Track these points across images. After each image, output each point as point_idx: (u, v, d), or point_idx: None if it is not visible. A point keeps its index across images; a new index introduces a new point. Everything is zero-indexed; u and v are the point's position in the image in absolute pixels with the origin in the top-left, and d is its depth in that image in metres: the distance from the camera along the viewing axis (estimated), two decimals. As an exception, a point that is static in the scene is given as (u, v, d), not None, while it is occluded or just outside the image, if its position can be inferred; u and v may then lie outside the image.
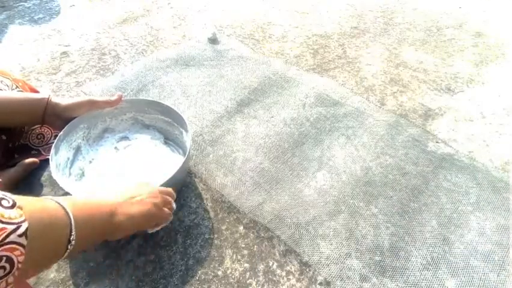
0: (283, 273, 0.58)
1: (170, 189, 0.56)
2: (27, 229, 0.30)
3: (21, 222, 0.30)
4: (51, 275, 0.57)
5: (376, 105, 0.91)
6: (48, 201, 0.37)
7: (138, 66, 1.02)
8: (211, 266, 0.59)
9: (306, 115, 0.87)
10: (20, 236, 0.30)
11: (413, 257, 0.60)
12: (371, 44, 1.15)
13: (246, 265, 0.59)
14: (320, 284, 0.57)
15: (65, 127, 0.67)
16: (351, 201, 0.68)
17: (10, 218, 0.30)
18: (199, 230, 0.63)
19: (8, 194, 0.32)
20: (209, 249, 0.61)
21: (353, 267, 0.58)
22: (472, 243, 0.62)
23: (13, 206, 0.31)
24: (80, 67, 1.03)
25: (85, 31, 1.19)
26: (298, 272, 0.58)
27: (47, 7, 1.33)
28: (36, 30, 1.19)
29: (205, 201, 0.68)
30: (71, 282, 0.56)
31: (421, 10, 1.35)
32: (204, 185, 0.71)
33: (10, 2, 1.35)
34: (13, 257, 0.29)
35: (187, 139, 0.65)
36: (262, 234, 0.63)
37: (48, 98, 0.64)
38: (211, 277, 0.57)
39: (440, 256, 0.60)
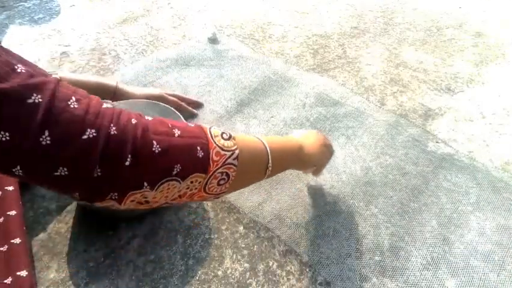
0: (283, 273, 0.58)
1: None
2: (238, 155, 0.41)
3: (235, 149, 0.41)
4: (51, 275, 0.57)
5: (376, 105, 0.91)
6: (252, 136, 0.48)
7: (138, 66, 1.02)
8: (211, 266, 0.59)
9: (306, 115, 0.87)
10: (234, 159, 0.41)
11: (413, 257, 0.60)
12: (371, 44, 1.15)
13: (246, 265, 0.59)
14: (320, 284, 0.57)
15: None
16: (351, 201, 0.68)
17: (228, 147, 0.41)
18: (199, 230, 0.63)
19: (225, 129, 0.43)
20: (209, 249, 0.61)
21: (353, 267, 0.58)
22: (472, 243, 0.62)
23: (229, 137, 0.42)
24: (80, 67, 1.03)
25: (85, 31, 1.19)
26: (298, 272, 0.58)
27: (47, 7, 1.33)
28: (36, 30, 1.19)
29: (205, 201, 0.68)
30: (71, 282, 0.56)
31: (421, 10, 1.35)
32: (204, 185, 0.71)
33: (10, 2, 1.35)
34: (229, 172, 0.41)
35: None
36: (262, 234, 0.63)
37: (116, 84, 0.76)
38: (211, 277, 0.57)
39: (440, 256, 0.60)
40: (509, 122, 0.87)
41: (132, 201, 0.36)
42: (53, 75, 0.67)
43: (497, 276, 0.58)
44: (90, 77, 0.79)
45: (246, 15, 1.29)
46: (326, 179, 0.72)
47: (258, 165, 0.47)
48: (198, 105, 0.88)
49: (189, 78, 0.98)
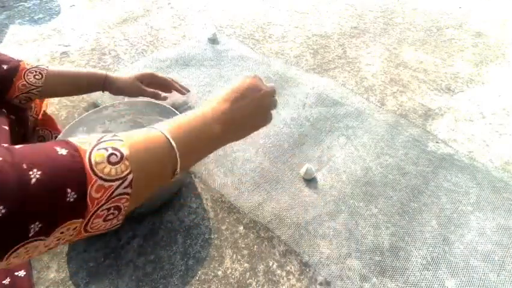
0: (283, 273, 0.58)
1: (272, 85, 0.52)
2: (132, 180, 0.32)
3: (127, 175, 0.32)
4: (51, 275, 0.57)
5: (376, 105, 0.91)
6: (152, 131, 0.38)
7: (138, 66, 1.02)
8: (211, 266, 0.59)
9: (306, 115, 0.87)
10: (125, 187, 0.32)
11: (413, 257, 0.60)
12: (371, 44, 1.15)
13: (246, 265, 0.59)
14: (320, 284, 0.57)
15: (64, 130, 0.67)
16: (351, 201, 0.68)
17: (116, 175, 0.31)
18: (199, 230, 0.63)
19: (117, 145, 0.33)
20: (209, 249, 0.61)
21: (353, 267, 0.58)
22: (472, 243, 0.62)
23: (121, 159, 0.32)
24: (80, 67, 1.03)
25: (85, 31, 1.19)
26: (298, 272, 0.58)
27: (47, 7, 1.33)
28: (36, 30, 1.19)
29: (205, 201, 0.68)
30: (71, 282, 0.56)
31: (421, 10, 1.35)
32: (204, 185, 0.71)
33: (10, 2, 1.35)
34: (120, 204, 0.32)
35: None
36: (262, 234, 0.63)
37: (106, 74, 0.76)
38: (211, 277, 0.57)
39: (440, 256, 0.60)
40: (509, 122, 0.87)
41: None
42: (43, 67, 0.66)
43: (497, 276, 0.58)
44: (80, 69, 0.83)
45: (246, 15, 1.29)
46: (326, 179, 0.72)
47: (162, 173, 0.38)
48: (185, 90, 0.89)
49: (189, 78, 0.98)
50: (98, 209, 0.31)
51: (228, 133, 0.45)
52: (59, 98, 0.90)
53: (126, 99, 0.82)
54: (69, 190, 0.29)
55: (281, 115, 0.87)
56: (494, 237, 0.63)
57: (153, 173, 0.36)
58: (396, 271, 0.58)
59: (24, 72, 0.66)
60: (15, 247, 0.27)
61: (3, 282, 0.50)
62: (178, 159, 0.38)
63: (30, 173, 0.28)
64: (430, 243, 0.62)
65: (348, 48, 1.13)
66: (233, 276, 0.57)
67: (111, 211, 0.32)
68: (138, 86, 0.79)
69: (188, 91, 0.89)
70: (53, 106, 0.88)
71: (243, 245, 0.62)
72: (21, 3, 1.35)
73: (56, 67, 0.72)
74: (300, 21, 1.27)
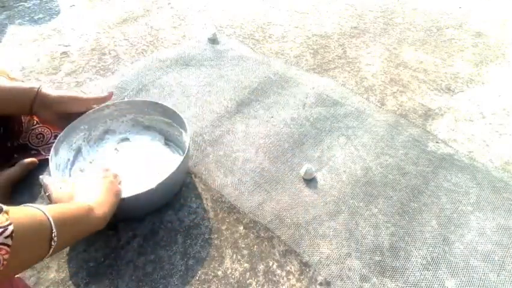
0: (283, 273, 0.58)
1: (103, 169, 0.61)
2: (12, 231, 0.34)
3: (7, 225, 0.34)
4: (51, 275, 0.57)
5: (376, 105, 0.91)
6: (29, 207, 0.41)
7: (138, 66, 1.02)
8: (211, 266, 0.59)
9: (306, 115, 0.87)
10: (6, 237, 0.33)
11: (413, 257, 0.60)
12: (371, 44, 1.15)
13: (246, 265, 0.59)
14: (320, 284, 0.57)
15: (65, 128, 0.67)
16: (351, 201, 0.68)
17: None
18: (199, 230, 0.63)
19: None
20: (209, 249, 0.61)
21: (353, 267, 0.58)
22: (472, 243, 0.62)
23: (0, 211, 0.34)
24: (80, 67, 1.03)
25: (85, 31, 1.19)
26: (298, 272, 0.58)
27: (47, 7, 1.33)
28: (36, 30, 1.19)
29: (205, 201, 0.68)
30: (71, 282, 0.56)
31: (421, 10, 1.35)
32: (204, 185, 0.71)
33: (10, 2, 1.35)
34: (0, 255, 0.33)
35: (186, 139, 0.65)
36: (262, 234, 0.63)
37: (38, 89, 0.63)
38: (211, 277, 0.57)
39: (440, 256, 0.60)
40: (509, 122, 0.87)
41: None
42: None
43: (497, 276, 0.58)
44: (4, 82, 0.65)
45: (246, 15, 1.29)
46: (326, 179, 0.72)
47: (39, 239, 0.40)
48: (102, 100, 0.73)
49: (189, 78, 0.98)
50: None
51: (95, 212, 0.50)
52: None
53: (126, 99, 0.82)
54: None
55: (281, 115, 0.87)
56: (494, 237, 0.63)
57: (30, 233, 0.38)
58: (396, 271, 0.58)
59: None
60: None
61: None
62: (53, 224, 0.41)
63: None
64: (430, 243, 0.62)
65: (348, 48, 1.13)
66: (233, 276, 0.57)
67: None
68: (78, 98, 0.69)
69: (109, 93, 0.74)
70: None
71: (243, 245, 0.62)
72: (21, 3, 1.35)
73: None
74: (300, 21, 1.27)
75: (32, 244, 0.39)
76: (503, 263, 0.60)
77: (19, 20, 1.25)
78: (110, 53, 1.09)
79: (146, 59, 1.05)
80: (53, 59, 1.06)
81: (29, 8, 1.32)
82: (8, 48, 1.11)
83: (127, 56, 1.07)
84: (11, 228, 0.34)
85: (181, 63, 1.04)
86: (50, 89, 0.66)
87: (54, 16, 1.28)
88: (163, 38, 1.16)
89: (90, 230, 0.50)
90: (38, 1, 1.36)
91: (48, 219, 0.41)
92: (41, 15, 1.28)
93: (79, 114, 0.70)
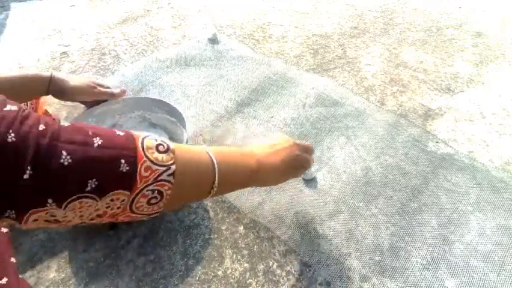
0: (283, 273, 0.58)
1: (306, 143, 0.60)
2: (175, 171, 0.37)
3: (171, 164, 0.37)
4: (51, 275, 0.57)
5: (376, 105, 0.91)
6: (199, 147, 0.44)
7: (138, 66, 1.02)
8: (211, 266, 0.59)
9: (306, 115, 0.87)
10: (169, 175, 0.36)
11: (413, 257, 0.60)
12: (371, 44, 1.15)
13: (246, 265, 0.59)
14: (320, 284, 0.57)
15: (73, 120, 0.68)
16: (351, 201, 0.68)
17: (163, 161, 0.36)
18: (199, 230, 0.63)
19: (166, 140, 0.39)
20: (209, 249, 0.61)
21: (353, 267, 0.58)
22: (472, 243, 0.62)
23: (167, 150, 0.37)
24: (80, 67, 1.03)
25: (85, 31, 1.19)
26: (298, 272, 0.58)
27: (47, 7, 1.33)
28: (36, 30, 1.19)
29: (205, 201, 0.68)
30: (71, 282, 0.56)
31: (421, 10, 1.35)
32: (204, 185, 0.71)
33: (10, 2, 1.35)
34: (163, 190, 0.36)
35: (184, 138, 0.66)
36: (262, 234, 0.63)
37: (51, 76, 0.68)
38: (211, 277, 0.57)
39: (440, 256, 0.60)
40: (509, 122, 0.87)
41: (36, 220, 0.31)
42: None
43: (497, 276, 0.58)
44: (23, 71, 0.70)
45: (246, 16, 1.29)
46: (326, 179, 0.72)
47: (201, 184, 0.42)
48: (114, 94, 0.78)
49: (189, 78, 0.98)
50: (144, 187, 0.35)
51: (261, 173, 0.49)
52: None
53: (129, 96, 0.82)
54: (123, 161, 0.33)
55: (281, 115, 0.87)
56: (494, 237, 0.63)
57: (192, 177, 0.41)
58: (396, 271, 0.58)
59: None
60: (73, 197, 0.31)
61: (0, 282, 0.50)
62: (217, 175, 0.42)
63: (94, 139, 0.33)
64: (430, 243, 0.62)
65: (348, 48, 1.13)
66: (233, 276, 0.57)
67: (155, 194, 0.36)
68: (92, 87, 0.73)
69: (123, 92, 0.78)
70: (53, 106, 0.88)
71: (243, 245, 0.62)
72: (21, 3, 1.35)
73: None
74: (300, 21, 1.27)
75: (194, 185, 0.42)
76: (503, 263, 0.60)
77: (19, 20, 1.25)
78: (110, 53, 1.09)
79: (146, 59, 1.05)
80: (53, 59, 1.06)
81: (29, 8, 1.32)
82: (8, 48, 1.11)
83: (127, 56, 1.07)
84: (173, 167, 0.37)
85: (181, 63, 1.04)
86: (65, 75, 0.70)
87: (54, 16, 1.28)
88: (163, 38, 1.16)
89: (253, 185, 0.52)
90: (38, 1, 1.36)
91: (213, 165, 0.42)
92: (41, 15, 1.28)
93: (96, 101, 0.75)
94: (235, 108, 0.88)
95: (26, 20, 1.25)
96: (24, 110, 0.31)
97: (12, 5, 1.34)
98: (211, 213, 0.66)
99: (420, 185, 0.72)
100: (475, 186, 0.72)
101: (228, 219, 0.65)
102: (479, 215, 0.67)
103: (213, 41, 1.13)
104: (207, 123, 0.84)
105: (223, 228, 0.64)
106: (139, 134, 0.37)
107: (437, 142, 0.81)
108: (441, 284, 0.57)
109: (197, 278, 0.57)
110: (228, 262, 0.59)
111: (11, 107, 0.31)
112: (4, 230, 0.53)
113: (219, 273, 0.58)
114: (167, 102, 0.74)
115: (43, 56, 1.07)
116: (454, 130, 0.85)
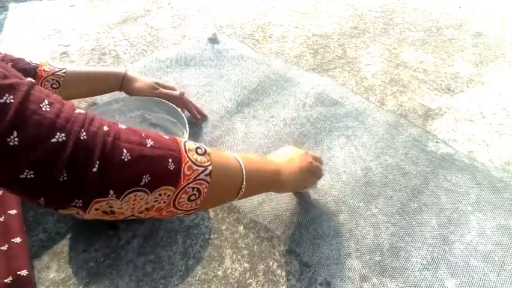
0: (283, 273, 0.58)
1: (317, 154, 0.67)
2: (211, 171, 0.41)
3: (208, 166, 0.41)
4: (51, 275, 0.57)
5: (376, 105, 0.91)
6: (228, 152, 0.48)
7: (138, 66, 1.02)
8: (211, 266, 0.59)
9: (306, 115, 0.87)
10: (206, 175, 0.41)
11: (413, 257, 0.60)
12: (371, 44, 1.15)
13: (246, 265, 0.59)
14: (320, 284, 0.57)
15: None
16: (351, 201, 0.68)
17: (201, 162, 0.41)
18: (199, 230, 0.63)
19: (202, 144, 0.43)
20: (209, 249, 0.61)
21: (353, 267, 0.58)
22: (472, 243, 0.62)
23: (204, 153, 0.42)
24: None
25: (85, 31, 1.19)
26: (298, 272, 0.58)
27: (47, 7, 1.33)
28: (36, 30, 1.19)
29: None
30: (71, 282, 0.56)
31: (421, 10, 1.35)
32: (204, 185, 0.71)
33: (10, 2, 1.35)
34: (201, 188, 0.41)
35: (185, 138, 0.66)
36: (262, 234, 0.63)
37: (125, 72, 0.78)
38: (211, 277, 0.57)
39: (440, 256, 0.60)
40: (509, 122, 0.87)
41: (97, 209, 0.35)
42: (61, 73, 0.69)
43: (497, 276, 0.58)
44: (98, 68, 0.83)
45: (246, 15, 1.29)
46: (326, 179, 0.72)
47: (231, 185, 0.47)
48: (201, 115, 0.86)
49: (189, 78, 0.98)
50: (186, 185, 0.39)
51: (282, 175, 0.55)
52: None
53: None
54: (170, 160, 0.38)
55: (281, 115, 0.87)
56: (494, 237, 0.63)
57: (224, 178, 0.45)
58: (396, 271, 0.58)
59: (42, 82, 0.69)
60: (130, 190, 0.35)
61: (6, 280, 0.50)
62: (244, 176, 0.47)
63: (147, 140, 0.38)
64: (430, 243, 0.62)
65: (348, 48, 1.13)
66: (233, 276, 0.57)
67: (194, 192, 0.40)
68: (155, 89, 0.79)
69: (205, 116, 0.85)
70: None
71: (243, 245, 0.62)
72: (21, 3, 1.35)
73: (74, 68, 0.73)
74: (300, 21, 1.27)
75: (225, 186, 0.46)
76: (503, 263, 0.60)
77: (19, 20, 1.25)
78: (110, 53, 1.09)
79: (146, 59, 1.05)
80: (53, 59, 1.06)
81: (29, 8, 1.32)
82: (8, 48, 1.11)
83: (127, 56, 1.07)
84: (210, 168, 0.41)
85: (181, 63, 1.04)
86: (134, 74, 0.79)
87: (54, 16, 1.28)
88: (163, 38, 1.16)
89: (273, 190, 0.58)
90: (38, 1, 1.36)
91: (241, 169, 0.47)
92: (41, 15, 1.28)
93: None
94: (235, 108, 0.88)
95: (26, 20, 1.25)
96: (88, 114, 0.36)
97: (12, 5, 1.34)
98: (211, 213, 0.66)
99: (420, 185, 0.72)
100: (475, 186, 0.72)
101: (228, 219, 0.65)
102: (479, 215, 0.67)
103: (213, 40, 1.13)
104: (207, 123, 0.84)
105: (223, 228, 0.64)
106: (181, 139, 0.42)
107: (437, 142, 0.81)
108: (441, 284, 0.57)
109: (197, 278, 0.57)
110: (228, 262, 0.59)
111: (80, 110, 0.35)
112: (13, 212, 0.58)
113: (219, 273, 0.58)
114: (167, 102, 0.74)
115: (43, 56, 1.07)
116: (454, 130, 0.85)
